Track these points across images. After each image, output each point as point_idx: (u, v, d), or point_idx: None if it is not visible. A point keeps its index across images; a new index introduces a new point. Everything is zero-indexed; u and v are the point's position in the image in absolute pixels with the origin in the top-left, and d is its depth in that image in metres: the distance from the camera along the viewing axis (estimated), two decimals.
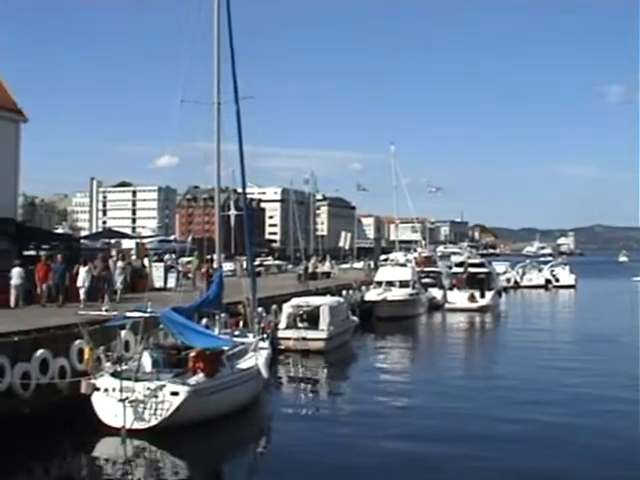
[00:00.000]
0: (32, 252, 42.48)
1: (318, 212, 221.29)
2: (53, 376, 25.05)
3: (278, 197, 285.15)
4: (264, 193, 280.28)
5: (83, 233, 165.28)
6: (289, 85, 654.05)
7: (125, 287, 39.56)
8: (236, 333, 32.23)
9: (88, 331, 25.04)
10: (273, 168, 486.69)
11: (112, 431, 23.05)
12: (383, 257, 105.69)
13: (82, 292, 35.62)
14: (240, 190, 37.40)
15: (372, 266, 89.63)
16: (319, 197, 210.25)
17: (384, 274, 67.24)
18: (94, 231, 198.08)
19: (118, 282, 38.03)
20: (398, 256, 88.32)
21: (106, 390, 23.89)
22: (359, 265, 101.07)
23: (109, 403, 23.66)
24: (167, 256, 55.39)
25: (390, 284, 63.30)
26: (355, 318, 49.11)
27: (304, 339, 41.20)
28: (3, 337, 24.29)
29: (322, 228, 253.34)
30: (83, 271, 36.13)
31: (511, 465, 20.75)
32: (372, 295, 61.44)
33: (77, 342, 26.15)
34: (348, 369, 39.94)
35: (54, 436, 22.84)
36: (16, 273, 34.96)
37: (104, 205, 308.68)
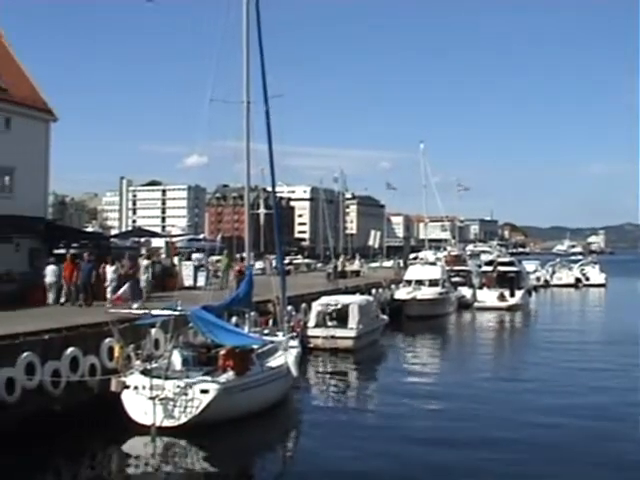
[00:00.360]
0: (62, 250, 42.62)
1: (347, 211, 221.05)
2: (83, 374, 25.23)
3: (307, 196, 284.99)
4: (293, 192, 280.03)
5: (113, 232, 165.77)
6: (318, 84, 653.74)
7: (149, 286, 39.34)
8: (266, 332, 32.24)
9: (118, 329, 25.14)
10: (302, 167, 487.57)
11: (142, 429, 23.13)
12: (412, 256, 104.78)
13: (109, 291, 35.61)
14: (270, 189, 36.55)
15: (401, 265, 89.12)
16: (348, 196, 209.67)
17: (413, 273, 66.77)
18: (124, 230, 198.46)
19: (142, 281, 37.93)
20: (427, 255, 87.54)
21: (136, 388, 23.97)
22: (388, 264, 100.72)
23: (139, 401, 23.74)
24: (195, 255, 55.36)
25: (419, 283, 62.95)
26: (385, 317, 49.00)
27: (333, 337, 41.09)
28: (34, 335, 24.44)
29: (351, 227, 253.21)
30: (110, 270, 36.28)
31: (538, 473, 20.41)
32: (401, 294, 61.21)
33: (107, 340, 26.33)
34: (377, 368, 39.72)
35: (84, 434, 22.93)
36: (50, 271, 35.24)
37: (134, 204, 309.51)
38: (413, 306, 59.26)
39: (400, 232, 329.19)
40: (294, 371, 28.58)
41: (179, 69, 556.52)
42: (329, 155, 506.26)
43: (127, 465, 21.58)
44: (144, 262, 38.89)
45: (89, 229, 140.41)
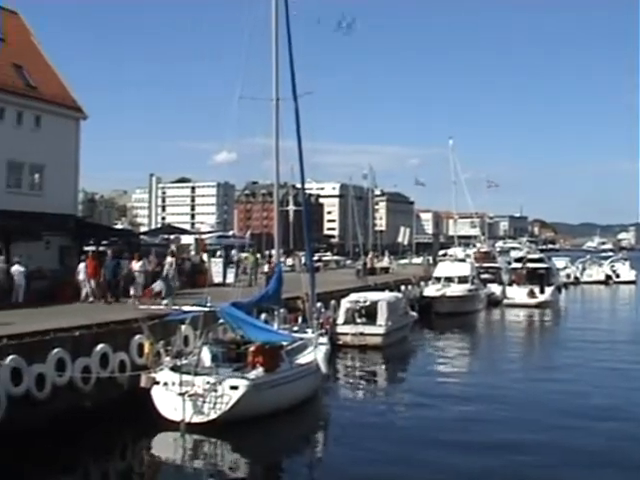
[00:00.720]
0: (92, 248, 42.85)
1: (377, 207, 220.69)
2: (113, 370, 25.38)
3: (336, 192, 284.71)
4: (322, 189, 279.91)
5: (142, 229, 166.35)
6: (347, 81, 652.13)
7: (174, 283, 38.42)
8: (295, 328, 32.30)
9: (148, 326, 25.35)
10: (331, 164, 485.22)
11: (171, 425, 23.25)
12: (442, 252, 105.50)
13: (134, 287, 35.72)
14: (299, 186, 37.22)
15: (431, 261, 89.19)
16: (377, 192, 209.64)
17: (443, 270, 66.47)
18: (153, 227, 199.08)
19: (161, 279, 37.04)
20: (457, 251, 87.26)
21: (166, 384, 24.14)
22: (418, 260, 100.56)
23: (169, 397, 23.87)
24: (219, 252, 55.33)
25: (449, 280, 62.61)
26: (414, 313, 48.94)
27: (362, 334, 41.08)
28: (64, 332, 24.55)
29: (380, 223, 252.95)
30: (137, 266, 36.30)
31: (572, 478, 20.04)
32: (431, 291, 60.90)
33: (137, 337, 26.57)
34: (405, 365, 39.57)
35: (114, 430, 23.14)
36: (82, 268, 35.30)
37: (163, 201, 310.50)
38: (442, 303, 58.85)
39: (429, 229, 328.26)
40: (323, 368, 28.62)
41: (209, 66, 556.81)
42: (358, 152, 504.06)
43: (156, 461, 21.74)
44: (168, 259, 38.67)
45: (118, 226, 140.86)
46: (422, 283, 64.67)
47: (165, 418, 23.71)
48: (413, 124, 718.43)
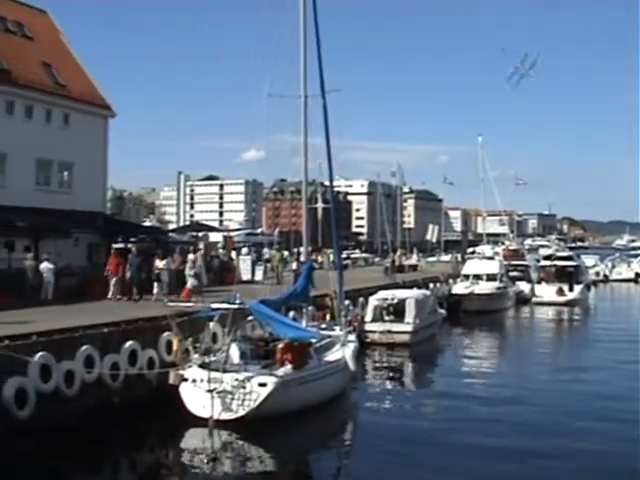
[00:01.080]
0: (120, 245, 43.04)
1: (405, 205, 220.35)
2: (142, 367, 25.49)
3: (365, 190, 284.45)
4: (351, 186, 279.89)
5: (171, 226, 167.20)
6: (377, 77, 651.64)
7: (197, 280, 37.79)
8: (323, 326, 32.29)
9: (177, 323, 25.30)
10: (360, 161, 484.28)
11: (199, 421, 23.25)
12: (470, 250, 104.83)
13: (157, 285, 36.01)
14: (327, 183, 36.79)
15: (459, 259, 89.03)
16: (406, 190, 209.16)
17: (471, 267, 66.66)
18: (181, 224, 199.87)
19: (188, 276, 36.95)
20: (485, 249, 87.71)
21: (194, 381, 24.12)
22: (446, 258, 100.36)
23: (197, 394, 23.86)
24: (244, 250, 55.48)
25: (477, 277, 62.64)
26: (442, 311, 48.88)
27: (389, 332, 40.98)
28: (93, 329, 24.67)
29: (409, 221, 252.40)
30: (161, 264, 36.45)
31: None
32: (459, 288, 60.96)
33: (165, 334, 26.59)
34: (433, 364, 39.35)
35: (142, 426, 23.21)
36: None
37: (191, 198, 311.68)
38: (471, 301, 58.85)
39: (458, 226, 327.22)
40: (352, 365, 28.63)
41: (237, 64, 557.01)
42: (386, 149, 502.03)
43: (185, 458, 21.67)
44: (190, 256, 38.51)
45: (147, 224, 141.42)
46: (450, 281, 64.90)
47: (193, 415, 23.69)
48: (442, 121, 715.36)
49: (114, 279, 35.08)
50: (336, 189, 43.09)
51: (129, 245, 41.95)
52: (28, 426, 20.11)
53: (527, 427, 24.53)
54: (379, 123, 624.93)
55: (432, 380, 35.11)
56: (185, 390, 24.27)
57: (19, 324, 24.46)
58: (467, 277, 63.44)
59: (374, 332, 41.05)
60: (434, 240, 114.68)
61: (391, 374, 35.40)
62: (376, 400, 29.29)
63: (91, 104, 45.86)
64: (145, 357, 25.81)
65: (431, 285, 58.70)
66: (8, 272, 35.93)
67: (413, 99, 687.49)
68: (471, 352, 43.28)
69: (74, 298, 33.29)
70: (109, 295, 34.82)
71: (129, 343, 25.23)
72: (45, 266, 34.36)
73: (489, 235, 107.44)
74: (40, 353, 21.65)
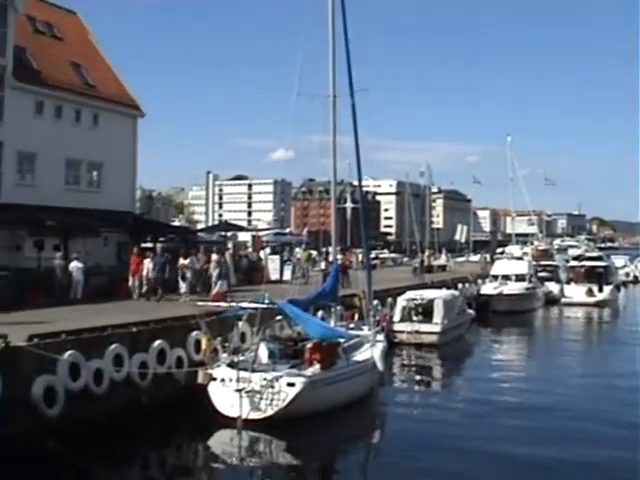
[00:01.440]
0: (149, 244, 43.39)
1: (433, 205, 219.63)
2: (170, 366, 25.68)
3: (393, 190, 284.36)
4: (379, 186, 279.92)
5: (199, 226, 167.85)
6: (405, 77, 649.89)
7: (220, 280, 37.28)
8: (351, 326, 32.21)
9: (206, 322, 25.45)
10: (388, 161, 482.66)
11: (228, 421, 23.33)
12: (499, 250, 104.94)
13: (183, 284, 36.26)
14: (356, 183, 37.25)
15: (488, 259, 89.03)
16: (434, 190, 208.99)
17: (500, 268, 66.42)
18: (210, 224, 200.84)
19: (214, 276, 36.91)
20: (514, 249, 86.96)
21: (223, 380, 24.23)
22: (475, 258, 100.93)
23: (226, 393, 23.98)
24: (267, 250, 55.89)
25: (506, 278, 62.51)
26: (471, 311, 48.78)
27: (417, 332, 40.93)
28: (122, 328, 24.90)
29: (437, 221, 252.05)
30: (185, 263, 36.74)
31: None
32: (488, 289, 60.57)
33: (194, 333, 26.77)
34: (461, 366, 38.87)
35: (171, 425, 23.35)
36: (147, 264, 35.68)
37: (220, 198, 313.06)
38: (500, 301, 58.40)
39: (487, 226, 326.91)
40: (380, 365, 28.56)
41: (268, 65, 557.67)
42: (415, 149, 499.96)
43: (213, 457, 21.84)
44: (214, 256, 38.68)
45: (175, 223, 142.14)
46: (479, 281, 64.91)
47: (222, 414, 23.77)
48: (471, 121, 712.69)
49: (134, 278, 35.49)
50: (364, 189, 43.19)
51: (157, 244, 42.29)
52: (57, 424, 20.25)
53: (557, 435, 23.74)
54: (408, 123, 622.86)
55: (459, 384, 34.56)
56: (213, 389, 24.34)
57: (48, 323, 24.77)
58: (496, 277, 63.47)
59: (402, 332, 40.90)
60: (463, 240, 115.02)
61: (418, 377, 35.47)
62: (403, 404, 29.18)
63: (120, 104, 46.36)
64: (174, 356, 26.00)
65: (460, 285, 58.58)
66: (38, 271, 36.29)
67: (444, 99, 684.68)
68: (500, 354, 43.18)
69: (103, 297, 33.64)
70: (133, 295, 35.27)
71: (158, 342, 25.43)
72: (74, 265, 34.61)
73: (518, 235, 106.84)
74: (69, 352, 21.82)
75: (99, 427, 21.10)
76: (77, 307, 30.27)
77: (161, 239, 46.90)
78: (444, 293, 46.27)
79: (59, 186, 42.06)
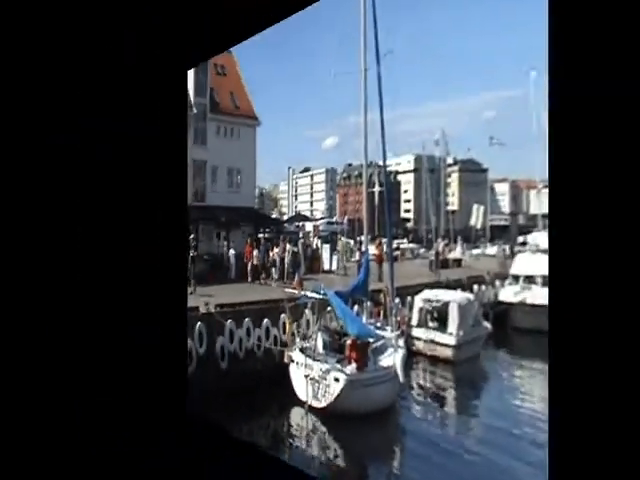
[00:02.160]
0: (260, 235, 60.88)
1: (448, 181, 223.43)
2: (271, 343, 34.07)
3: (411, 167, 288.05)
4: (399, 164, 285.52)
5: (285, 218, 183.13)
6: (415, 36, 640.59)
7: (291, 269, 49.34)
8: (378, 324, 34.03)
9: (289, 307, 31.85)
10: (407, 132, 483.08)
11: (300, 402, 27.87)
12: (521, 240, 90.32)
13: (273, 271, 48.29)
14: (380, 163, 39.08)
15: (507, 252, 78.58)
16: (450, 161, 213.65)
17: (522, 265, 55.29)
18: (290, 216, 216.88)
19: (286, 264, 49.28)
20: (539, 238, 63.43)
21: (297, 364, 28.70)
22: (492, 250, 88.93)
23: (298, 376, 28.34)
24: (315, 240, 67.63)
25: (530, 280, 52.38)
26: (487, 324, 43.40)
27: (432, 342, 40.13)
28: (251, 305, 34.95)
29: (453, 201, 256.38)
30: (275, 251, 49.47)
31: None
32: (507, 295, 52.54)
33: (282, 315, 33.80)
34: (479, 394, 36.30)
35: (270, 394, 29.29)
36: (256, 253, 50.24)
37: (296, 191, 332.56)
38: (522, 314, 48.87)
39: (506, 206, 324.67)
40: (401, 376, 29.30)
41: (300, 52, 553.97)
42: (430, 114, 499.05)
43: (284, 431, 26.90)
44: (288, 246, 50.55)
45: (273, 216, 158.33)
46: (497, 282, 56.14)
47: (296, 395, 28.14)
48: (489, 63, 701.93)
49: (249, 264, 47.90)
50: (388, 169, 40.01)
51: (266, 235, 60.16)
52: (226, 374, 30.99)
53: None
54: (419, 83, 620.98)
55: (477, 417, 31.75)
56: (292, 371, 28.97)
57: (214, 297, 35.24)
58: (517, 279, 53.90)
59: (419, 339, 40.53)
60: (479, 226, 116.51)
61: (430, 400, 33.72)
62: (412, 428, 28.77)
63: (249, 118, 65.60)
64: (272, 334, 34.31)
65: (475, 287, 53.32)
66: (217, 257, 53.48)
67: (455, 54, 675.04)
68: (523, 388, 36.63)
69: (235, 279, 47.53)
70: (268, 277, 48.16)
71: (266, 320, 34.01)
72: (232, 252, 50.52)
73: (546, 216, 73.47)
74: (229, 320, 32.64)
75: (240, 385, 28.82)
76: (229, 286, 43.20)
77: (267, 230, 63.50)
78: (459, 296, 43.02)
79: (223, 189, 62.14)
